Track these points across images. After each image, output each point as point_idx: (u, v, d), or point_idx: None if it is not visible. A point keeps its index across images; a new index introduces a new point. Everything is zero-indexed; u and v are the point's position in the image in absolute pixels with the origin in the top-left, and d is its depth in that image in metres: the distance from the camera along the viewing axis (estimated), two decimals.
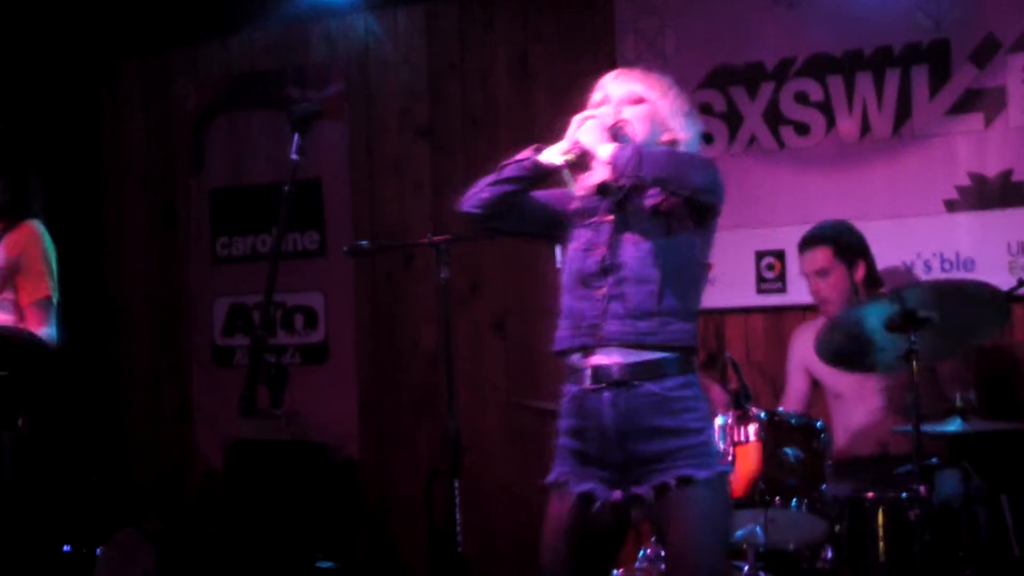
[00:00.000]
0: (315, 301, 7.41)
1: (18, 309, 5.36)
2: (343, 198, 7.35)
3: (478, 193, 4.06)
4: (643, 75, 4.14)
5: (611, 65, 6.71)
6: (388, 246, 6.85)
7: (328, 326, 7.39)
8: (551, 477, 4.03)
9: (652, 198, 3.96)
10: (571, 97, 6.65)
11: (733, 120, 6.44)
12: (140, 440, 7.86)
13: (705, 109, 6.46)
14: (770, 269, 6.31)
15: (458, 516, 4.77)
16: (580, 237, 4.07)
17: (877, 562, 4.85)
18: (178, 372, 7.80)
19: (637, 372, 3.89)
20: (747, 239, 6.35)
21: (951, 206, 5.99)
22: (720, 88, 6.47)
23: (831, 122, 6.24)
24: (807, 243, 5.66)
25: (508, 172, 4.03)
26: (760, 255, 6.34)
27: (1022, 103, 5.86)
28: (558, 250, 5.28)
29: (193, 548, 6.35)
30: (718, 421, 4.92)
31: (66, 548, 6.33)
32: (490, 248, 6.75)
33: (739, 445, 4.91)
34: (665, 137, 4.04)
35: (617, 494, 3.90)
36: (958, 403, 4.80)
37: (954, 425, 4.78)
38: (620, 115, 4.01)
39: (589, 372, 3.94)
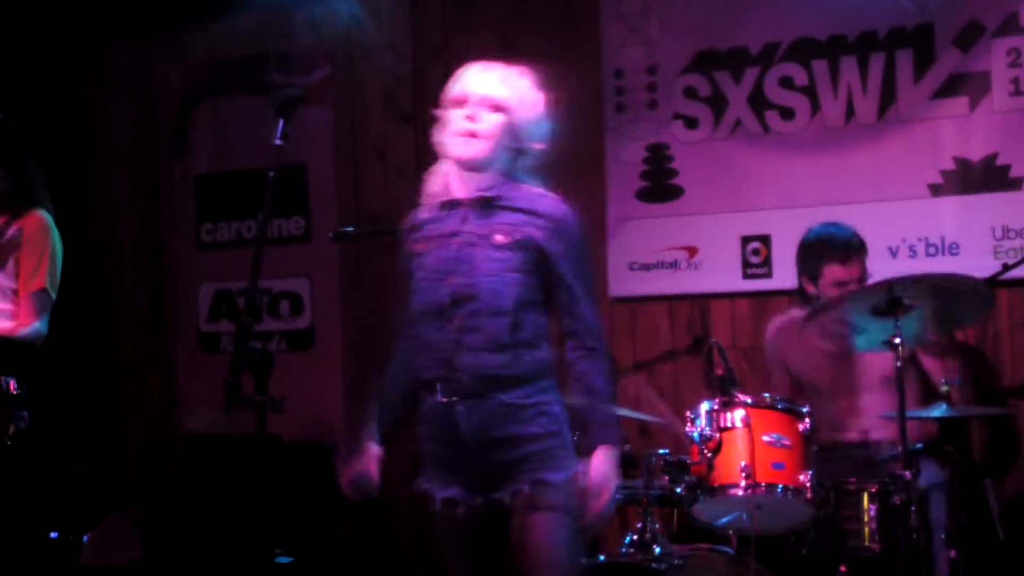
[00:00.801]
0: (301, 287, 7.40)
1: (14, 297, 5.34)
2: (328, 183, 7.34)
3: None
4: (505, 76, 3.98)
5: (596, 49, 6.74)
6: (373, 231, 6.83)
7: (314, 312, 7.39)
8: (419, 485, 3.99)
9: (501, 231, 3.89)
10: (556, 81, 6.72)
11: (718, 104, 6.43)
12: (127, 426, 7.84)
13: (690, 93, 6.47)
14: (755, 254, 6.30)
15: None
16: (427, 262, 3.98)
17: (862, 546, 4.85)
18: (164, 358, 7.78)
19: (489, 384, 3.85)
20: (732, 223, 6.35)
21: (936, 190, 5.99)
22: (705, 73, 6.46)
23: (816, 106, 6.23)
24: (845, 259, 5.46)
25: None
26: (745, 240, 6.32)
27: (1006, 87, 5.87)
28: None
29: (180, 537, 6.35)
30: (703, 407, 4.93)
31: (53, 535, 6.33)
32: None
33: (725, 431, 4.90)
34: (515, 146, 3.93)
35: (480, 500, 3.88)
36: (942, 388, 4.81)
37: (939, 410, 4.79)
38: (477, 120, 3.88)
39: (440, 387, 3.89)
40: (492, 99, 3.91)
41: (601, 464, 3.86)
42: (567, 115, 6.55)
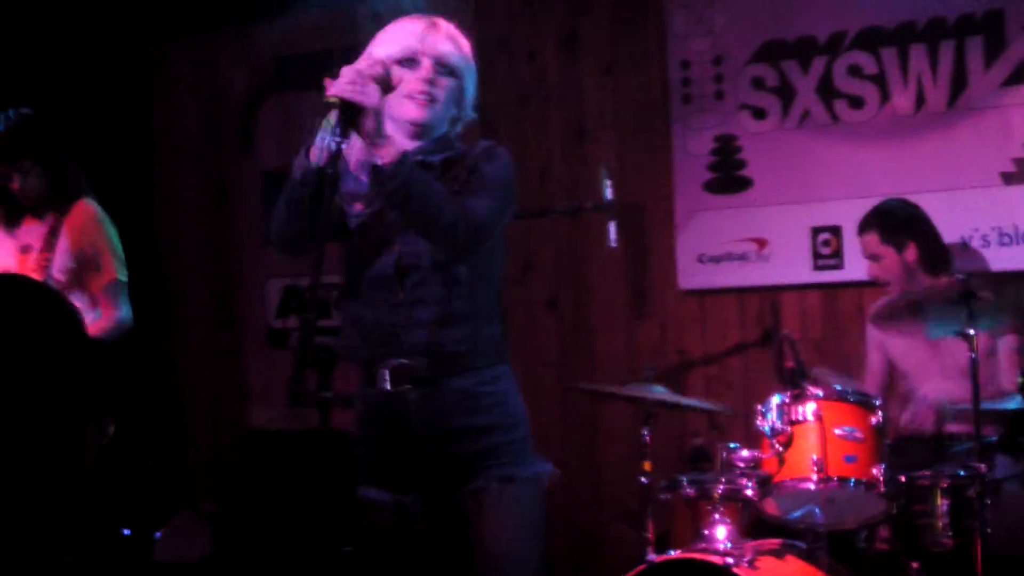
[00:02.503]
0: None
1: (91, 296, 5.33)
2: None
3: (277, 224, 3.71)
4: (452, 35, 3.73)
5: (661, 40, 6.70)
6: None
7: None
8: (360, 493, 3.68)
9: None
10: (621, 74, 6.69)
11: (786, 94, 6.38)
12: (198, 422, 7.89)
13: (757, 84, 6.43)
14: (826, 245, 6.24)
15: None
16: (363, 228, 3.67)
17: (935, 541, 4.79)
18: (234, 354, 7.82)
19: (443, 367, 3.58)
20: (802, 215, 6.30)
21: (1008, 178, 5.92)
22: (772, 63, 6.41)
23: (885, 95, 6.17)
24: (860, 228, 5.61)
25: (290, 181, 3.61)
26: (816, 231, 6.28)
27: None
28: (612, 226, 5.26)
29: (249, 532, 6.36)
30: (774, 400, 4.88)
31: (126, 532, 6.35)
32: (540, 228, 6.74)
33: (796, 424, 4.86)
34: (454, 113, 3.72)
35: (432, 504, 3.66)
36: (1019, 380, 4.75)
37: (1014, 403, 4.72)
38: (435, 84, 3.62)
39: (387, 374, 3.60)
40: (448, 62, 3.68)
41: None
42: (634, 107, 6.60)
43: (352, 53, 4.92)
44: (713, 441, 5.31)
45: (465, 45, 3.76)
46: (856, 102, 6.23)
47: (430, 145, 3.69)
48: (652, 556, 4.91)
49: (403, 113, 3.65)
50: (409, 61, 3.64)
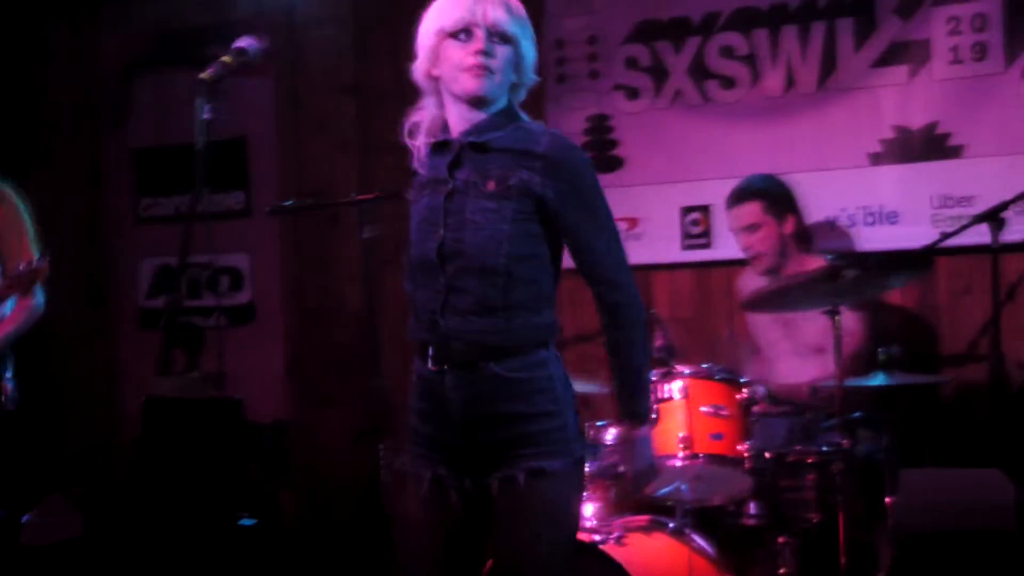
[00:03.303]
0: (241, 262, 7.36)
1: (6, 277, 5.24)
2: (269, 157, 7.30)
3: None
4: (511, 2, 3.63)
5: (537, 19, 6.67)
6: (312, 205, 6.78)
7: (254, 287, 7.35)
8: (403, 463, 3.82)
9: (494, 178, 3.56)
10: None
11: (658, 74, 6.41)
12: (69, 403, 7.79)
13: (631, 63, 6.45)
14: (696, 224, 6.29)
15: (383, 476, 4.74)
16: (419, 210, 3.68)
17: (802, 515, 4.86)
18: (106, 334, 7.73)
19: (478, 352, 3.55)
20: (672, 194, 6.35)
21: (876, 159, 5.99)
22: (646, 42, 6.44)
23: (756, 76, 6.22)
24: (736, 198, 5.67)
25: None
26: (686, 210, 6.32)
27: (947, 56, 5.85)
28: None
29: (121, 512, 6.31)
30: None
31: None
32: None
33: (663, 402, 4.91)
34: (516, 80, 3.63)
35: (468, 482, 3.62)
36: (881, 357, 4.83)
37: (877, 379, 4.80)
38: (491, 54, 3.54)
39: (432, 352, 3.61)
40: (502, 29, 3.57)
41: (631, 445, 3.71)
42: None
43: (230, 30, 4.89)
44: (583, 419, 5.33)
45: (518, 8, 3.65)
46: (728, 82, 6.28)
47: (489, 120, 3.63)
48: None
49: (460, 87, 3.58)
50: (463, 32, 3.58)
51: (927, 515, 4.73)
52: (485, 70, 3.55)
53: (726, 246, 5.96)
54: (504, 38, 3.57)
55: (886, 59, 5.98)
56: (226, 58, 3.76)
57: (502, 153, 3.57)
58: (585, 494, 4.84)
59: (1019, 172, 5.61)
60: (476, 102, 3.59)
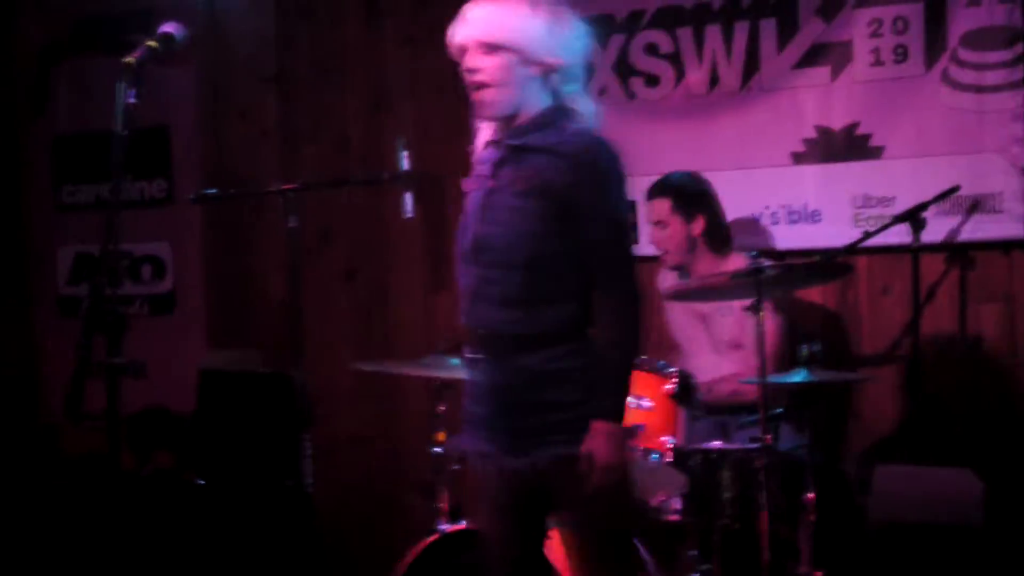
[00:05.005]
0: (162, 250, 7.31)
1: None
2: (191, 145, 7.25)
3: None
4: (492, 10, 3.72)
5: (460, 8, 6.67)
6: (236, 194, 6.74)
7: (176, 276, 7.30)
8: (458, 443, 3.97)
9: (523, 178, 3.71)
10: (422, 42, 6.67)
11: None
12: None
13: None
14: None
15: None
16: (468, 203, 3.89)
17: (723, 512, 4.89)
18: (22, 321, 7.64)
19: (505, 342, 3.73)
20: None
21: (798, 158, 6.03)
22: None
23: (681, 74, 6.25)
24: (649, 194, 5.70)
25: None
26: None
27: (868, 57, 5.90)
28: (407, 198, 5.27)
29: (39, 501, 6.28)
30: None
31: None
32: (340, 198, 6.71)
33: None
34: (536, 71, 3.73)
35: (511, 461, 3.76)
36: (803, 354, 4.87)
37: (799, 375, 4.84)
38: (478, 70, 3.71)
39: (474, 341, 3.83)
40: (483, 40, 3.70)
41: (593, 443, 3.67)
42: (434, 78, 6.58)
43: (150, 17, 4.84)
44: None
45: (499, 13, 3.72)
46: (652, 80, 6.30)
47: (530, 122, 3.77)
48: (444, 526, 4.95)
49: (476, 111, 3.81)
50: (458, 57, 3.79)
51: (899, 509, 4.84)
52: (477, 86, 3.73)
53: (651, 246, 5.98)
54: (488, 47, 3.69)
55: (808, 60, 6.01)
56: (151, 43, 3.73)
57: (537, 154, 3.71)
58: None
59: (937, 173, 5.68)
60: (489, 115, 3.80)
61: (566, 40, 3.76)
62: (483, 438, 3.83)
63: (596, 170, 3.74)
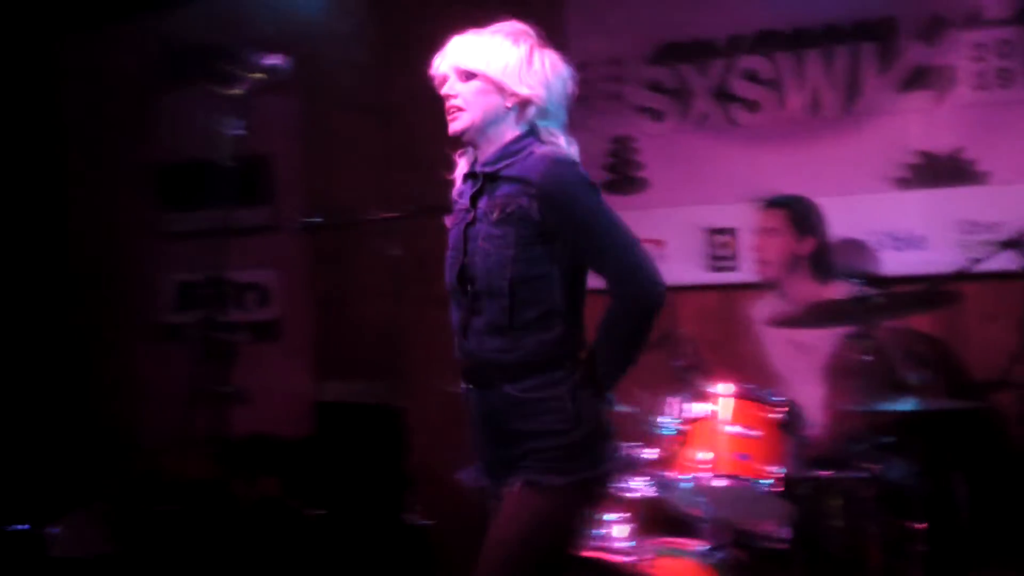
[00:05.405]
0: (267, 278, 7.38)
1: None
2: (293, 174, 7.33)
3: None
4: (468, 40, 3.83)
5: (559, 40, 6.68)
6: (340, 222, 6.80)
7: (280, 303, 7.36)
8: (463, 477, 3.94)
9: (499, 206, 3.73)
10: None
11: (683, 97, 6.43)
12: (94, 417, 7.78)
13: (655, 87, 6.47)
14: (723, 247, 6.30)
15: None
16: (450, 238, 3.91)
17: (832, 541, 4.85)
18: (129, 349, 7.73)
19: (493, 372, 3.72)
20: (699, 216, 6.36)
21: (901, 183, 6.00)
22: (669, 65, 6.46)
23: (781, 99, 6.23)
24: (767, 204, 5.68)
25: None
26: (712, 232, 6.34)
27: (971, 81, 5.86)
28: None
29: (144, 527, 6.32)
30: (671, 400, 4.91)
31: (22, 527, 6.28)
32: (436, 223, 6.73)
33: (692, 423, 4.91)
34: (510, 102, 3.76)
35: (499, 493, 3.76)
36: (912, 381, 4.82)
37: (908, 404, 4.80)
38: (454, 95, 3.79)
39: (464, 373, 3.83)
40: (459, 68, 3.79)
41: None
42: None
43: (243, 46, 4.91)
44: (608, 438, 5.31)
45: (484, 41, 3.82)
46: (752, 106, 6.29)
47: (502, 150, 3.80)
48: None
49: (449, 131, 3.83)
50: (439, 84, 3.87)
51: None
52: (452, 111, 3.80)
53: (754, 269, 5.94)
54: (465, 75, 3.79)
55: (911, 83, 5.99)
56: (258, 74, 3.80)
57: (509, 182, 3.74)
58: (608, 514, 4.89)
59: None
60: (465, 140, 3.84)
61: (544, 77, 3.80)
62: (481, 471, 3.88)
63: (564, 188, 3.70)
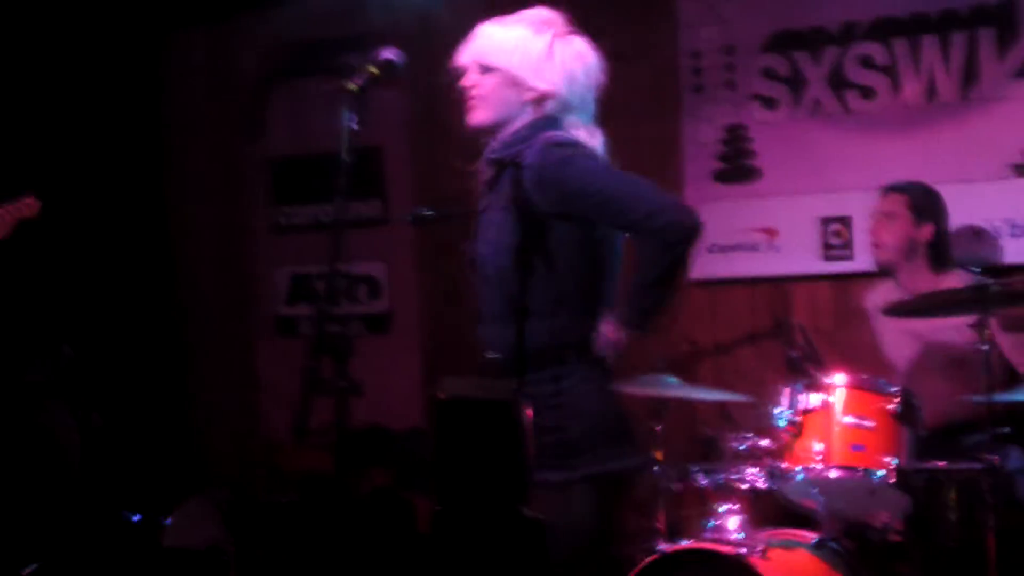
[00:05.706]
0: (377, 270, 7.42)
1: None
2: (404, 166, 7.35)
3: None
4: (490, 32, 3.84)
5: (672, 29, 6.68)
6: (452, 214, 6.80)
7: (391, 295, 7.40)
8: None
9: (503, 193, 3.70)
10: (631, 63, 6.67)
11: (797, 85, 6.38)
12: (208, 410, 7.88)
13: (768, 74, 6.42)
14: (837, 236, 6.24)
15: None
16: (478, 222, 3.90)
17: (948, 533, 4.78)
18: (242, 342, 7.81)
19: (504, 367, 3.67)
20: (813, 205, 6.31)
21: (1020, 170, 5.90)
22: (783, 52, 6.41)
23: (897, 86, 6.17)
24: (887, 189, 5.59)
25: None
26: (826, 221, 6.28)
27: None
28: None
29: (261, 518, 6.37)
30: (785, 390, 4.87)
31: (135, 517, 6.36)
32: None
33: (806, 413, 4.85)
34: (528, 96, 3.75)
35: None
36: None
37: None
38: (473, 86, 3.81)
39: (483, 365, 3.81)
40: (479, 60, 3.81)
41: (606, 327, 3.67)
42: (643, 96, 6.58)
43: (362, 40, 4.92)
44: (723, 431, 5.29)
45: (506, 34, 3.81)
46: (867, 92, 6.23)
47: (509, 138, 3.80)
48: (663, 546, 4.90)
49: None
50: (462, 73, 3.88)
51: None
52: (471, 101, 3.84)
53: (868, 258, 5.87)
54: (485, 68, 3.80)
55: None
56: (373, 69, 3.82)
57: (512, 169, 3.68)
58: (720, 506, 4.86)
59: None
60: (479, 131, 3.88)
61: (565, 69, 3.78)
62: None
63: (553, 164, 3.64)
